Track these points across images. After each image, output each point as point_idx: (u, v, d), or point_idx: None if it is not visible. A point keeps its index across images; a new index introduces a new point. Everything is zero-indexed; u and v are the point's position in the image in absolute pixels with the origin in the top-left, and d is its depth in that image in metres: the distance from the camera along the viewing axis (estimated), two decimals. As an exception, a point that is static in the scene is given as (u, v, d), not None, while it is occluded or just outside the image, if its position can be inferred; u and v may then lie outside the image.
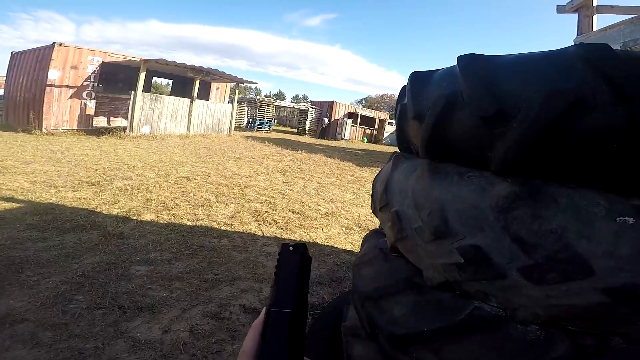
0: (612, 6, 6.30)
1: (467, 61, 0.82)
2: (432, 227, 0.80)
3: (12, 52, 11.77)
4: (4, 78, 12.66)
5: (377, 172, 1.20)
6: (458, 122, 0.82)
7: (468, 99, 0.77)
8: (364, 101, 73.74)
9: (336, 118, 22.33)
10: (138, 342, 1.75)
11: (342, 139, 22.19)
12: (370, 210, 1.32)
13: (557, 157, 0.66)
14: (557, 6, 6.93)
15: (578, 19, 6.39)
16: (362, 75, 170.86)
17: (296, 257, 0.45)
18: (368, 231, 1.57)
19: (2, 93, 12.95)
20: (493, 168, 0.74)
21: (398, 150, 1.27)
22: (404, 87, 1.22)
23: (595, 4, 6.15)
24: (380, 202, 1.15)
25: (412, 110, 0.98)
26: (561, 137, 0.63)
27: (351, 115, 23.49)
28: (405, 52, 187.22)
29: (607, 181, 0.63)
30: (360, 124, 23.96)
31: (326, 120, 21.76)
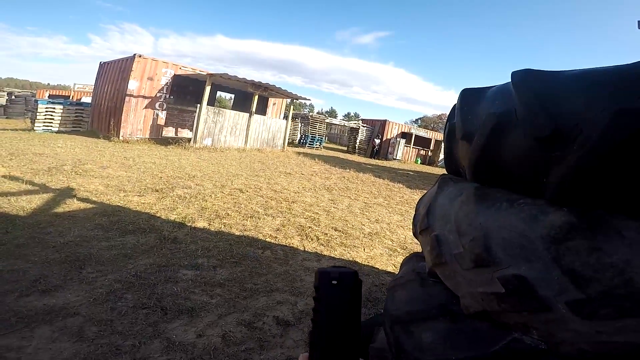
0: None
1: (522, 76, 0.76)
2: (474, 254, 0.76)
3: (100, 62, 13.09)
4: (93, 87, 14.28)
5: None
6: (510, 143, 0.76)
7: (522, 117, 0.71)
8: (419, 121, 72.14)
9: (388, 137, 22.03)
10: (172, 344, 1.82)
11: (394, 159, 21.76)
12: None
13: (625, 185, 0.59)
14: (638, 21, 6.27)
15: None
16: (416, 94, 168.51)
17: (341, 293, 0.36)
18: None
19: (90, 101, 14.58)
20: (548, 196, 0.67)
21: (446, 173, 1.22)
22: (454, 105, 1.18)
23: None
24: (422, 224, 1.11)
25: (461, 130, 0.94)
26: (630, 162, 0.56)
27: (404, 135, 23.02)
28: (463, 70, 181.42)
29: None
30: (414, 145, 23.34)
31: (377, 141, 21.56)
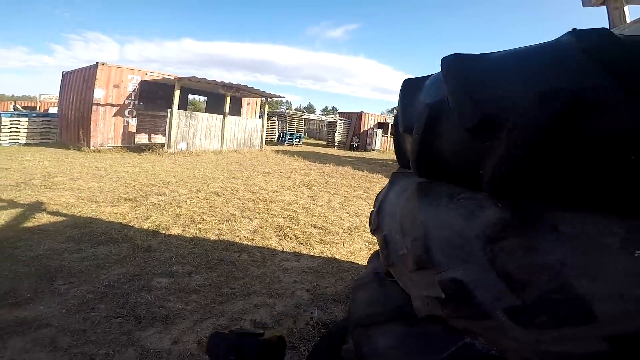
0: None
1: (449, 62, 0.71)
2: (415, 256, 0.73)
3: (62, 72, 12.57)
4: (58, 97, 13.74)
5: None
6: (446, 135, 0.72)
7: (452, 107, 0.67)
8: (394, 110, 72.88)
9: (366, 129, 22.25)
10: (147, 351, 1.83)
11: (372, 149, 22.02)
12: None
13: (560, 173, 0.55)
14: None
15: (607, 11, 5.97)
16: (389, 84, 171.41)
17: None
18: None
19: (57, 111, 14.05)
20: (485, 189, 0.64)
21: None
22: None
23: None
24: (373, 224, 1.11)
25: (402, 123, 0.91)
26: (560, 148, 0.53)
27: (381, 125, 23.31)
28: (432, 56, 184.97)
29: (627, 204, 0.52)
30: (391, 134, 23.69)
31: (356, 138, 21.70)
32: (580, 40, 0.56)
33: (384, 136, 23.13)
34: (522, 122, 0.54)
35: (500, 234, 0.58)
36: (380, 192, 1.22)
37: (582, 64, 0.53)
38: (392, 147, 23.83)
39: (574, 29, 0.60)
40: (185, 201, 4.95)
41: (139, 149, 10.74)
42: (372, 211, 1.18)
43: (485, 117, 0.59)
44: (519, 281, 0.54)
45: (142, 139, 12.53)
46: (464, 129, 0.64)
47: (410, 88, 0.94)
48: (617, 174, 0.51)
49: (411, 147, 0.82)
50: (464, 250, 0.63)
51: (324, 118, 25.66)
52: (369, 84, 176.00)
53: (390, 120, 24.12)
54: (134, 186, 5.67)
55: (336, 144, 21.91)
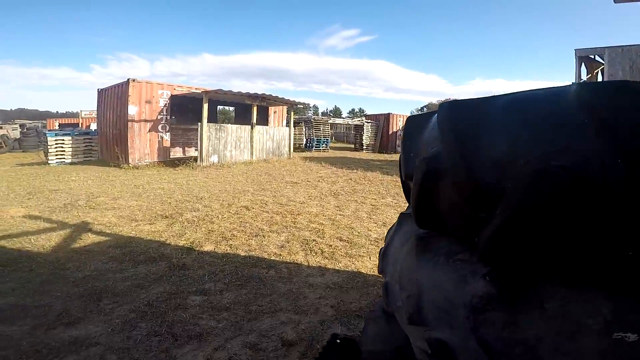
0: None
1: (446, 113, 0.69)
2: (408, 312, 0.79)
3: (98, 89, 13.23)
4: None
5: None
6: (443, 193, 0.72)
7: (447, 167, 0.67)
8: (424, 109, 71.61)
9: (394, 130, 22.01)
10: (183, 371, 2.00)
11: (402, 152, 21.69)
12: None
13: (556, 250, 0.55)
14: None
15: None
16: (401, 83, 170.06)
17: None
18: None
19: (96, 128, 14.79)
20: (479, 255, 0.66)
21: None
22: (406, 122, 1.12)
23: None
24: (379, 265, 1.18)
25: (404, 169, 0.93)
26: (559, 227, 0.52)
27: (411, 127, 22.93)
28: (435, 53, 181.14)
29: (625, 281, 0.52)
30: (421, 135, 23.26)
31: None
32: (586, 100, 0.52)
33: (413, 137, 22.75)
34: (516, 200, 0.53)
35: (485, 306, 0.62)
36: (390, 227, 1.26)
37: (585, 133, 0.50)
38: (422, 148, 23.46)
39: (583, 82, 0.59)
40: (217, 216, 5.20)
41: (174, 163, 11.32)
42: (381, 249, 1.24)
43: (480, 186, 0.59)
44: (496, 351, 0.58)
45: (176, 153, 13.18)
46: (457, 195, 0.65)
47: (413, 128, 0.94)
48: (615, 252, 0.50)
49: (411, 198, 0.84)
50: (451, 315, 0.67)
51: (350, 121, 25.70)
52: (380, 84, 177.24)
53: None
54: (170, 203, 6.02)
55: (364, 147, 21.84)
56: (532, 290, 0.58)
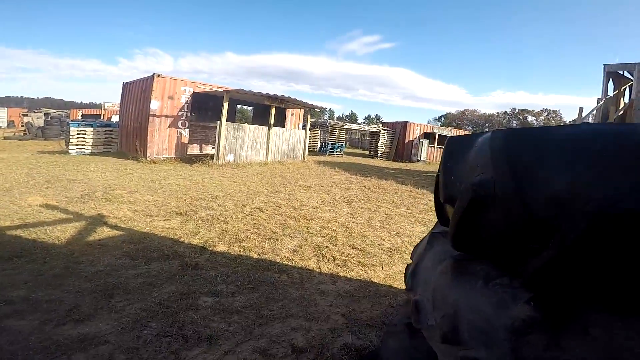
0: None
1: (501, 143, 0.69)
2: (442, 332, 0.80)
3: (123, 83, 13.59)
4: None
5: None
6: (489, 221, 0.73)
7: (498, 196, 0.67)
8: (442, 118, 71.21)
9: (411, 139, 21.87)
10: (193, 376, 1.98)
11: (417, 160, 21.55)
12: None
13: (603, 281, 0.57)
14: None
15: None
16: (419, 91, 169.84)
17: None
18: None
19: (118, 121, 15.12)
20: (524, 281, 0.68)
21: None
22: (447, 143, 1.10)
23: None
24: (407, 284, 1.16)
25: (443, 192, 0.92)
26: (611, 262, 0.54)
27: (427, 135, 22.80)
28: (456, 62, 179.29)
29: None
30: (438, 144, 23.06)
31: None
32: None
33: (430, 146, 22.59)
34: (577, 237, 0.53)
35: (527, 329, 0.62)
36: (418, 245, 1.23)
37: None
38: (438, 158, 23.19)
39: None
40: (231, 216, 5.22)
41: (191, 160, 11.47)
42: (408, 265, 1.22)
43: (534, 219, 0.60)
44: None
45: (193, 149, 13.36)
46: (508, 225, 0.66)
47: (455, 150, 0.94)
48: None
49: (451, 221, 0.84)
50: (489, 335, 0.67)
51: (366, 128, 25.65)
52: (399, 92, 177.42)
53: (437, 131, 23.50)
54: (185, 200, 6.08)
55: (379, 155, 21.74)
56: (576, 316, 0.59)
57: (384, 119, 32.62)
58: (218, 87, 12.74)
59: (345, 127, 23.85)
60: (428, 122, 27.16)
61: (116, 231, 4.27)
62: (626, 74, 14.35)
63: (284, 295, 2.99)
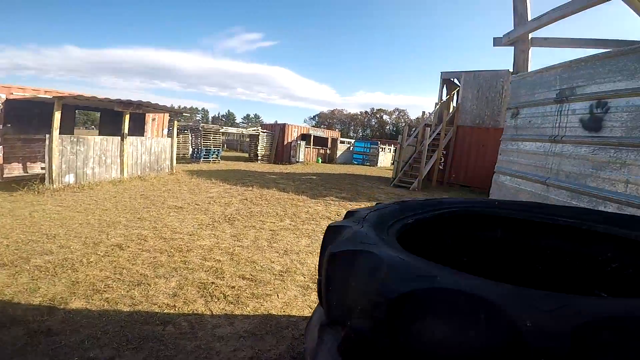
0: (545, 38, 7.22)
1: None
2: None
3: None
4: None
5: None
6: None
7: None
8: (317, 117, 76.29)
9: (289, 141, 22.86)
10: None
11: (296, 162, 22.74)
12: None
13: None
14: (494, 39, 7.78)
15: (514, 53, 7.24)
16: (298, 91, 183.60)
17: None
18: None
19: None
20: None
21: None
22: (326, 232, 1.27)
23: (530, 37, 6.99)
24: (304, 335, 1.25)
25: (327, 315, 1.01)
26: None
27: (304, 137, 24.30)
28: (329, 63, 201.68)
29: None
30: (313, 145, 24.93)
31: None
32: None
33: (307, 147, 24.20)
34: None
35: None
36: (308, 325, 1.35)
37: None
38: (314, 158, 24.99)
39: None
40: (81, 261, 4.50)
41: (10, 186, 9.31)
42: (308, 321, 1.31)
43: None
44: None
45: (14, 170, 10.87)
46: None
47: (339, 262, 1.00)
48: None
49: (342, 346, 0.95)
50: None
51: (244, 131, 25.54)
52: (278, 91, 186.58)
53: (313, 132, 25.63)
54: (7, 245, 4.92)
55: (259, 158, 22.07)
56: None
57: (264, 119, 32.90)
58: (46, 91, 10.65)
59: (222, 130, 23.15)
60: (304, 122, 29.16)
61: None
62: (456, 80, 18.16)
63: (176, 350, 2.78)
